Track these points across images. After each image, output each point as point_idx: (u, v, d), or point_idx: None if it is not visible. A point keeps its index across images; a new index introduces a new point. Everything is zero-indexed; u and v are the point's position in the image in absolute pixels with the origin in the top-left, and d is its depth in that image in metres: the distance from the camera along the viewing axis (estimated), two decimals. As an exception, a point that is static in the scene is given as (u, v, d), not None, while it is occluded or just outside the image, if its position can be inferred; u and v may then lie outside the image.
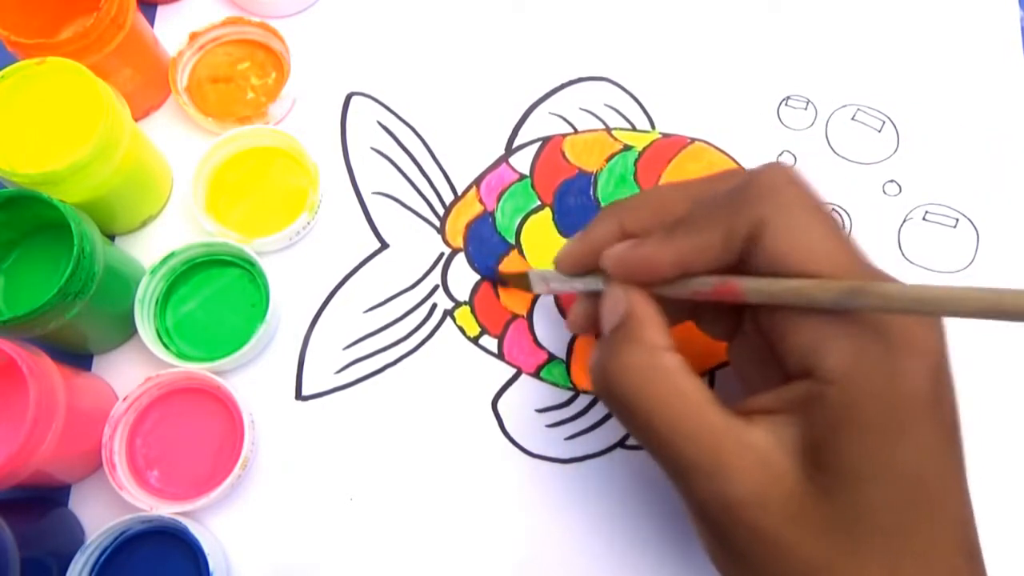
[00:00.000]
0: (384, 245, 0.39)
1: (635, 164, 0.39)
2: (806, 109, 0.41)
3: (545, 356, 0.37)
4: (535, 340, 0.37)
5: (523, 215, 0.39)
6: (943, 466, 0.23)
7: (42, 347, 0.32)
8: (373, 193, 0.39)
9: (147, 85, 0.39)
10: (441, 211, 0.39)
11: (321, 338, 0.37)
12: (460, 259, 0.38)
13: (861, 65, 0.41)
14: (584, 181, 0.39)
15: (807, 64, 0.41)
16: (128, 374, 0.36)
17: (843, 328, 0.23)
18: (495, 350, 0.37)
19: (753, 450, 0.23)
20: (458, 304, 0.38)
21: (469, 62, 0.42)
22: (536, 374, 0.37)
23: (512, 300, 0.38)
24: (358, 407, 0.36)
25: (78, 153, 0.31)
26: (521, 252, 0.38)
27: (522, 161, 0.40)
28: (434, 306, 0.38)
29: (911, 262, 0.38)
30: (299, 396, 0.36)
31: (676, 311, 0.28)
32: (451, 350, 0.37)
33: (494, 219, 0.39)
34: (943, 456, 0.23)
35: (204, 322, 0.37)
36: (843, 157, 0.40)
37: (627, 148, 0.40)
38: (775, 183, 0.25)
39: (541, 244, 0.38)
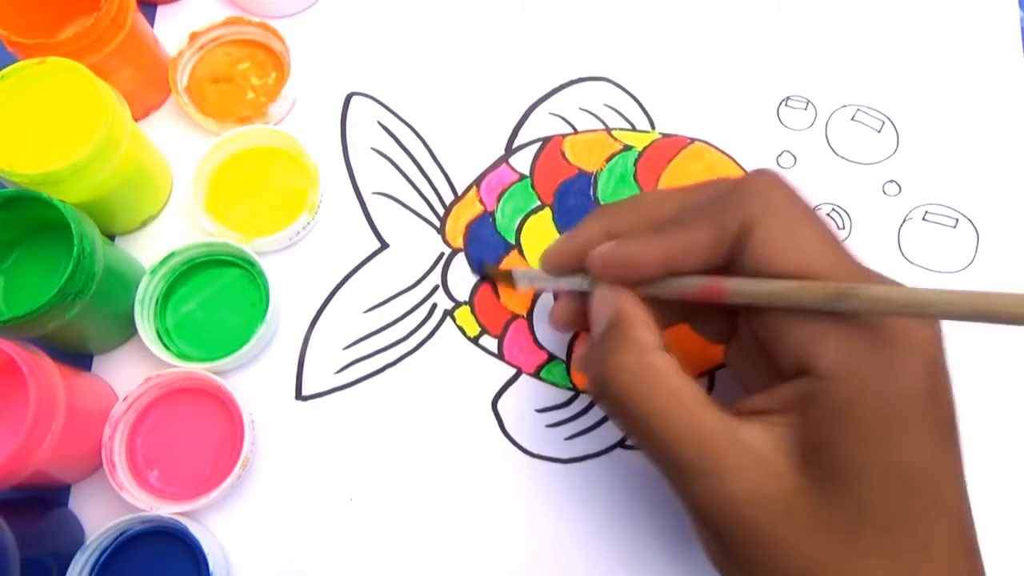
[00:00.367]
0: (384, 245, 0.39)
1: (635, 164, 0.39)
2: (806, 109, 0.41)
3: (545, 356, 0.37)
4: (535, 340, 0.37)
5: (523, 215, 0.39)
6: (940, 461, 0.23)
7: (42, 347, 0.32)
8: (373, 193, 0.39)
9: (147, 85, 0.39)
10: (441, 211, 0.39)
11: (321, 338, 0.37)
12: (460, 259, 0.38)
13: (861, 65, 0.41)
14: (584, 181, 0.39)
15: (807, 64, 0.42)
16: (128, 374, 0.36)
17: (836, 325, 0.23)
18: (495, 350, 0.37)
19: (749, 449, 0.24)
20: (458, 304, 0.38)
21: (469, 62, 0.42)
22: (536, 374, 0.37)
23: (512, 300, 0.38)
24: (358, 407, 0.36)
25: (78, 153, 0.31)
26: (521, 252, 0.38)
27: (522, 161, 0.40)
28: (434, 306, 0.38)
29: (911, 262, 0.38)
30: (299, 396, 0.36)
31: (670, 313, 0.29)
32: (451, 350, 0.37)
33: (494, 219, 0.39)
34: (940, 451, 0.23)
35: (204, 322, 0.37)
36: (843, 157, 0.40)
37: (627, 148, 0.40)
38: (764, 186, 0.25)
39: (541, 244, 0.38)
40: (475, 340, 0.37)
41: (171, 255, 0.36)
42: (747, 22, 0.42)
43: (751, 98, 0.41)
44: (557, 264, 0.30)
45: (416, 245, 0.39)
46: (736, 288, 0.25)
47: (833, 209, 0.39)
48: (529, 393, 0.36)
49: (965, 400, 0.24)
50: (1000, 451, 0.35)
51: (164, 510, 0.33)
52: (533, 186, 0.39)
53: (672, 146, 0.40)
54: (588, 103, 0.41)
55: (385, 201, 0.39)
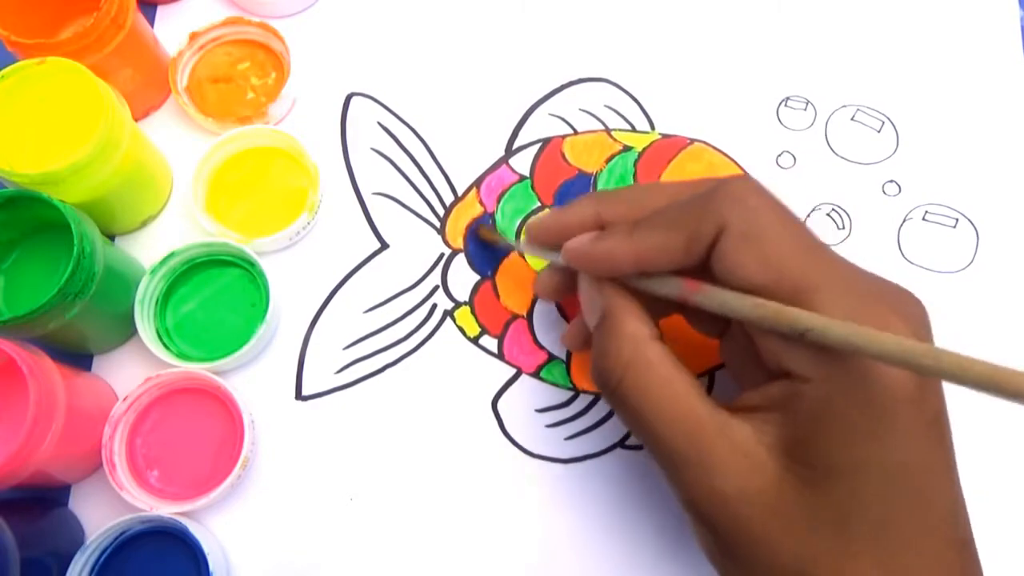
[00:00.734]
0: (384, 245, 0.39)
1: (635, 165, 0.39)
2: (806, 109, 0.41)
3: (545, 356, 0.37)
4: (535, 340, 0.37)
5: (523, 216, 0.39)
6: (928, 458, 0.23)
7: (42, 347, 0.32)
8: (373, 193, 0.39)
9: (147, 85, 0.39)
10: (441, 212, 0.39)
11: (321, 338, 0.37)
12: (460, 259, 0.38)
13: (861, 65, 0.41)
14: (584, 182, 0.39)
15: (807, 64, 0.42)
16: (128, 374, 0.36)
17: None
18: (495, 350, 0.37)
19: (737, 444, 0.24)
20: (458, 304, 0.38)
21: (469, 62, 0.42)
22: (536, 374, 0.37)
23: (512, 300, 0.38)
24: (358, 407, 0.36)
25: (78, 153, 0.31)
26: (521, 254, 0.38)
27: (522, 162, 0.40)
28: (434, 306, 0.38)
29: (911, 262, 0.38)
30: (299, 396, 0.36)
31: (666, 304, 0.28)
32: (451, 350, 0.37)
33: (494, 220, 0.39)
34: (928, 448, 0.23)
35: (204, 322, 0.37)
36: (843, 157, 0.40)
37: (627, 149, 0.40)
38: (740, 192, 0.25)
39: (541, 244, 0.38)
40: (475, 340, 0.37)
41: (171, 255, 0.36)
42: (747, 22, 0.42)
43: (751, 98, 0.41)
44: (539, 240, 0.31)
45: (416, 245, 0.39)
46: (703, 297, 0.25)
47: (833, 209, 0.39)
48: (529, 393, 0.36)
49: (959, 399, 0.24)
50: (997, 449, 0.35)
51: (164, 510, 0.33)
52: (533, 187, 0.39)
53: (672, 147, 0.40)
54: (588, 104, 0.41)
55: (385, 201, 0.39)
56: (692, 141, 0.40)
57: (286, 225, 0.37)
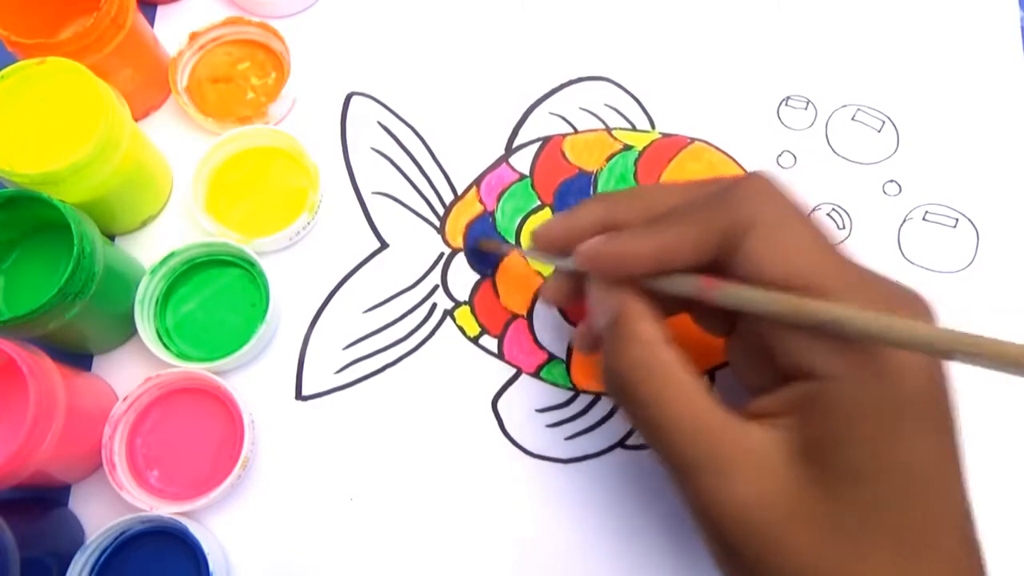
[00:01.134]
0: (384, 245, 0.39)
1: (635, 164, 0.39)
2: (806, 109, 0.41)
3: (545, 356, 0.37)
4: (535, 340, 0.37)
5: (523, 215, 0.39)
6: (942, 461, 0.23)
7: (42, 347, 0.32)
8: (373, 193, 0.39)
9: (147, 85, 0.39)
10: (441, 211, 0.39)
11: (321, 338, 0.37)
12: (460, 259, 0.38)
13: (861, 65, 0.41)
14: (584, 181, 0.39)
15: (807, 64, 0.41)
16: (128, 374, 0.36)
17: None
18: (495, 350, 0.37)
19: (753, 449, 0.23)
20: (458, 304, 0.38)
21: (469, 62, 0.42)
22: (536, 374, 0.37)
23: (512, 300, 0.38)
24: (358, 407, 0.36)
25: (78, 153, 0.31)
26: (521, 252, 0.38)
27: (522, 161, 0.40)
28: (434, 306, 0.38)
29: (911, 262, 0.38)
30: (299, 396, 0.36)
31: (672, 302, 0.28)
32: (451, 350, 0.37)
33: (494, 219, 0.39)
34: (941, 450, 0.23)
35: (204, 322, 0.37)
36: (843, 157, 0.40)
37: (627, 148, 0.40)
38: (759, 189, 0.25)
39: (541, 244, 0.38)
40: (475, 340, 0.37)
41: (171, 255, 0.36)
42: (747, 22, 0.42)
43: (751, 98, 0.41)
44: (547, 246, 0.30)
45: (416, 245, 0.39)
46: (722, 293, 0.25)
47: (833, 209, 0.39)
48: (529, 393, 0.36)
49: (964, 399, 0.24)
50: (1000, 450, 0.35)
51: (164, 510, 0.33)
52: (533, 186, 0.39)
53: (672, 146, 0.40)
54: (588, 103, 0.41)
55: (385, 201, 0.39)
56: (692, 140, 0.40)
57: (286, 225, 0.37)
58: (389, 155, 0.40)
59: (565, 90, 0.41)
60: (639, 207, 0.28)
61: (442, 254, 0.38)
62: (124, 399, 0.34)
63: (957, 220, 0.39)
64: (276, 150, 0.39)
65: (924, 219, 0.39)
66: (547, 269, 0.37)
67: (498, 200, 0.39)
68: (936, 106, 0.41)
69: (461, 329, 0.37)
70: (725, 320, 0.29)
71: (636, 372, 0.25)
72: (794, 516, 0.23)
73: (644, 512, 0.35)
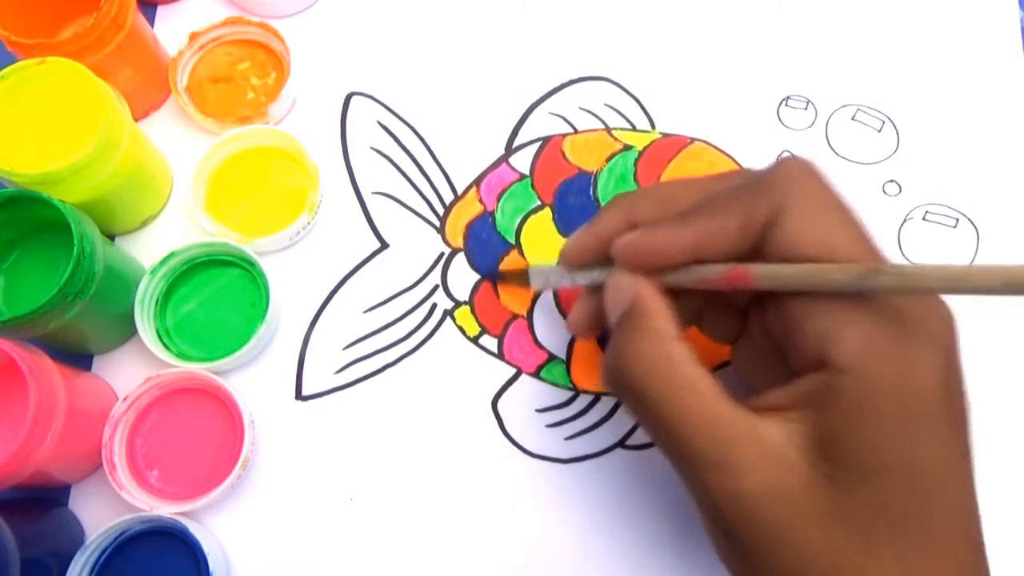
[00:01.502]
0: (384, 245, 0.39)
1: (635, 164, 0.39)
2: (806, 109, 0.41)
3: (545, 356, 0.37)
4: (535, 340, 0.37)
5: (523, 215, 0.39)
6: (952, 458, 0.23)
7: (42, 347, 0.32)
8: (373, 193, 0.39)
9: (147, 85, 0.39)
10: (441, 211, 0.39)
11: (321, 338, 0.37)
12: (460, 259, 0.38)
13: (861, 65, 0.41)
14: (584, 181, 0.39)
15: (807, 64, 0.41)
16: (128, 374, 0.36)
17: (858, 316, 0.23)
18: (495, 350, 0.37)
19: (764, 444, 0.23)
20: (458, 304, 0.38)
21: (469, 62, 0.42)
22: (536, 374, 0.37)
23: (512, 300, 0.38)
24: (358, 407, 0.36)
25: (78, 153, 0.31)
26: (521, 252, 0.38)
27: (522, 161, 0.40)
28: (434, 306, 0.38)
29: (911, 262, 0.38)
30: (299, 396, 0.36)
31: (680, 315, 0.28)
32: (451, 350, 0.37)
33: (494, 219, 0.39)
34: (953, 448, 0.23)
35: (204, 322, 0.37)
36: (843, 157, 0.40)
37: (627, 148, 0.40)
38: (794, 174, 0.25)
39: (541, 244, 0.38)
40: (475, 340, 0.37)
41: (171, 255, 0.36)
42: (747, 22, 0.42)
43: (751, 98, 0.41)
44: (578, 258, 0.30)
45: (416, 245, 0.39)
46: (760, 272, 0.25)
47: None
48: (529, 393, 0.36)
49: (973, 397, 0.24)
50: (1005, 448, 0.35)
51: (164, 510, 0.33)
52: (533, 186, 0.39)
53: (672, 146, 0.40)
54: (588, 103, 0.41)
55: (385, 201, 0.39)
56: (692, 140, 0.40)
57: (286, 225, 0.37)
58: (389, 155, 0.40)
59: (565, 90, 0.41)
60: (658, 204, 0.28)
61: (442, 254, 0.38)
62: (124, 399, 0.34)
63: (957, 220, 0.39)
64: (276, 150, 0.39)
65: (924, 219, 0.39)
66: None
67: (498, 200, 0.39)
68: (936, 106, 0.41)
69: (461, 329, 0.37)
70: (732, 324, 0.29)
71: (645, 364, 0.25)
72: (804, 510, 0.23)
73: (644, 512, 0.35)
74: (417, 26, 0.42)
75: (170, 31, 0.41)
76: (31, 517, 0.33)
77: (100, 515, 0.34)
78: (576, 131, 0.40)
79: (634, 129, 0.40)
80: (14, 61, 0.33)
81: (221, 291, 0.37)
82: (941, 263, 0.22)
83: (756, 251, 0.25)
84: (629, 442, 0.36)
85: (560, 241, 0.38)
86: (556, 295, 0.37)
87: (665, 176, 0.39)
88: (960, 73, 0.41)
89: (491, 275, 0.38)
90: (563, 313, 0.37)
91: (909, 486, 0.22)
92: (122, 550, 0.33)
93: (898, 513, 0.22)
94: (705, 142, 0.40)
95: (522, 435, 0.36)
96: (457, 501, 0.35)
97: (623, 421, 0.36)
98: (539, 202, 0.39)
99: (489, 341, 0.37)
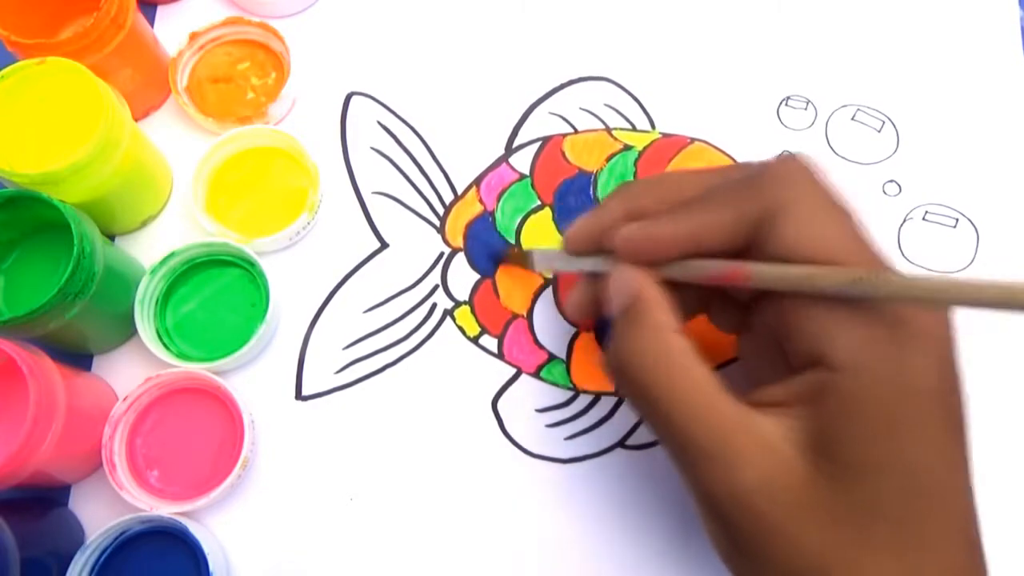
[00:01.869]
0: (384, 245, 0.39)
1: (635, 164, 0.39)
2: (806, 109, 0.41)
3: (545, 356, 0.37)
4: (535, 340, 0.37)
5: (523, 215, 0.39)
6: (949, 458, 0.23)
7: (42, 347, 0.32)
8: (373, 193, 0.39)
9: (147, 85, 0.39)
10: (441, 211, 0.39)
11: (321, 338, 0.37)
12: (460, 259, 0.38)
13: (861, 65, 0.41)
14: (584, 181, 0.39)
15: (807, 64, 0.41)
16: (128, 374, 0.36)
17: (853, 316, 0.23)
18: (495, 350, 0.37)
19: (761, 438, 0.24)
20: (458, 304, 0.38)
21: (469, 62, 0.42)
22: (536, 374, 0.37)
23: (512, 300, 0.38)
24: (358, 407, 0.36)
25: (78, 153, 0.31)
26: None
27: (522, 161, 0.40)
28: (434, 306, 0.38)
29: (911, 262, 0.38)
30: (299, 396, 0.36)
31: (688, 304, 0.28)
32: (451, 350, 0.37)
33: (494, 219, 0.39)
34: (949, 448, 0.23)
35: (204, 322, 0.37)
36: (843, 157, 0.40)
37: (627, 148, 0.40)
38: (793, 172, 0.25)
39: (541, 244, 0.38)
40: (475, 340, 0.37)
41: (171, 255, 0.36)
42: (747, 22, 0.42)
43: (751, 98, 0.41)
44: (580, 242, 0.30)
45: (416, 245, 0.39)
46: (756, 271, 0.25)
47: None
48: (529, 393, 0.36)
49: (971, 398, 0.24)
50: (1003, 449, 0.35)
51: (164, 510, 0.33)
52: (533, 185, 0.39)
53: (672, 146, 0.40)
54: (588, 103, 0.41)
55: (385, 201, 0.39)
56: (692, 140, 0.40)
57: (286, 225, 0.37)
58: (389, 155, 0.40)
59: (565, 90, 0.41)
60: (663, 194, 0.28)
61: (442, 254, 0.38)
62: (124, 399, 0.34)
63: (957, 220, 0.39)
64: (276, 150, 0.39)
65: (924, 219, 0.39)
66: (549, 271, 0.38)
67: (498, 200, 0.39)
68: (936, 106, 0.41)
69: (461, 329, 0.37)
70: (737, 317, 0.29)
71: (645, 357, 0.25)
72: (799, 505, 0.23)
73: (644, 512, 0.35)
74: (417, 26, 0.42)
75: (170, 31, 0.41)
76: (31, 517, 0.33)
77: (100, 515, 0.34)
78: (576, 131, 0.40)
79: (634, 129, 0.40)
80: (14, 61, 0.33)
81: (221, 291, 0.37)
82: (930, 275, 0.22)
83: (754, 247, 0.25)
84: (629, 442, 0.36)
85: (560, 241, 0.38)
86: (556, 296, 0.37)
87: (665, 176, 0.39)
88: (960, 73, 0.41)
89: (495, 256, 0.38)
90: (563, 313, 0.37)
91: (903, 485, 0.22)
92: (122, 550, 0.33)
93: (892, 511, 0.22)
94: (705, 142, 0.40)
95: (522, 435, 0.36)
96: (457, 501, 0.35)
97: (623, 421, 0.36)
98: (539, 202, 0.39)
99: (489, 341, 0.37)
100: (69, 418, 0.31)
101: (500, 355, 0.37)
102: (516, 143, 0.40)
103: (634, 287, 0.27)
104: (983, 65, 0.41)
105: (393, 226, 0.39)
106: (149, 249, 0.38)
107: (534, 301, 0.37)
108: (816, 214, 0.24)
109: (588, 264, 0.30)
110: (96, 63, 0.34)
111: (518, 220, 0.39)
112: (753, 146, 0.40)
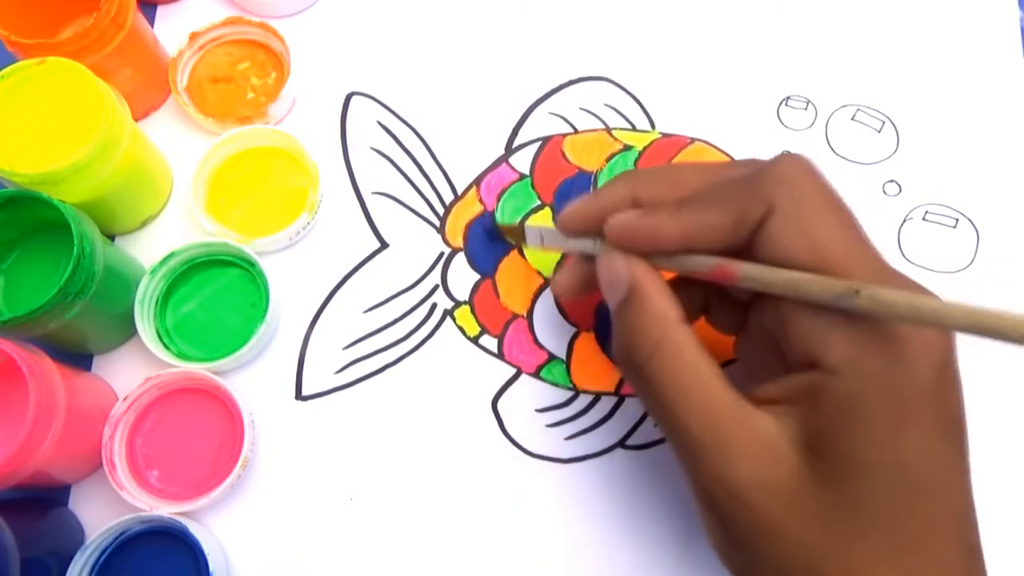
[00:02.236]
0: (384, 245, 0.39)
1: (635, 164, 0.39)
2: (806, 109, 0.41)
3: (545, 356, 0.37)
4: (535, 340, 0.37)
5: (523, 215, 0.39)
6: (944, 461, 0.23)
7: (42, 347, 0.32)
8: (373, 193, 0.39)
9: (147, 85, 0.39)
10: (441, 211, 0.39)
11: (321, 338, 0.37)
12: (460, 259, 0.38)
13: (861, 65, 0.41)
14: (584, 181, 0.39)
15: (807, 64, 0.42)
16: (128, 374, 0.36)
17: (846, 319, 0.23)
18: (495, 350, 0.37)
19: (757, 433, 0.24)
20: (458, 304, 0.38)
21: (469, 62, 0.42)
22: (536, 374, 0.37)
23: (512, 300, 0.38)
24: (358, 407, 0.36)
25: (78, 153, 0.31)
26: (521, 252, 0.38)
27: (522, 161, 0.40)
28: (434, 306, 0.38)
29: (911, 262, 0.38)
30: (299, 396, 0.36)
31: (688, 305, 0.28)
32: (451, 350, 0.37)
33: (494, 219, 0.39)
34: (944, 450, 0.23)
35: (204, 322, 0.37)
36: (843, 157, 0.40)
37: (627, 148, 0.40)
38: (790, 172, 0.25)
39: (541, 244, 0.38)
40: (475, 340, 0.37)
41: (171, 255, 0.36)
42: (747, 22, 0.42)
43: (751, 98, 0.41)
44: (574, 224, 0.30)
45: (416, 245, 0.39)
46: (746, 272, 0.25)
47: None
48: (529, 393, 0.36)
49: (971, 401, 0.24)
50: (1004, 452, 0.35)
51: (164, 510, 0.33)
52: (533, 185, 0.39)
53: (672, 146, 0.40)
54: (588, 103, 0.41)
55: (385, 201, 0.39)
56: (692, 140, 0.40)
57: (286, 225, 0.37)
58: (389, 155, 0.40)
59: (565, 90, 0.41)
60: (665, 186, 0.28)
61: (442, 254, 0.38)
62: (124, 399, 0.34)
63: (957, 220, 0.39)
64: (276, 150, 0.39)
65: (924, 219, 0.39)
66: (548, 269, 0.38)
67: (498, 200, 0.39)
68: (936, 106, 0.41)
69: (461, 329, 0.37)
70: (735, 316, 0.29)
71: (650, 347, 0.25)
72: (792, 501, 0.23)
73: (644, 512, 0.35)
74: (417, 26, 0.42)
75: (170, 31, 0.41)
76: (31, 517, 0.33)
77: (100, 515, 0.34)
78: (576, 131, 0.40)
79: (634, 129, 0.40)
80: (14, 61, 0.33)
81: (221, 291, 0.37)
82: (913, 297, 0.21)
83: (748, 247, 0.25)
84: (629, 442, 0.36)
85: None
86: (557, 298, 0.37)
87: (665, 176, 0.39)
88: (960, 73, 0.41)
89: (488, 229, 0.38)
90: (563, 313, 0.37)
91: (896, 485, 0.22)
92: (122, 550, 0.33)
93: (885, 511, 0.22)
94: (705, 142, 0.40)
95: (522, 435, 0.36)
96: (457, 501, 0.35)
97: (623, 421, 0.36)
98: (539, 202, 0.39)
99: (489, 341, 0.37)
100: (69, 418, 0.31)
101: (500, 355, 0.37)
102: (516, 143, 0.40)
103: (629, 276, 0.27)
104: (983, 65, 0.41)
105: (393, 226, 0.39)
106: (149, 249, 0.38)
107: (534, 301, 0.37)
108: (811, 214, 0.24)
109: (580, 245, 0.30)
110: (96, 63, 0.34)
111: (518, 220, 0.39)
112: (753, 146, 0.40)
